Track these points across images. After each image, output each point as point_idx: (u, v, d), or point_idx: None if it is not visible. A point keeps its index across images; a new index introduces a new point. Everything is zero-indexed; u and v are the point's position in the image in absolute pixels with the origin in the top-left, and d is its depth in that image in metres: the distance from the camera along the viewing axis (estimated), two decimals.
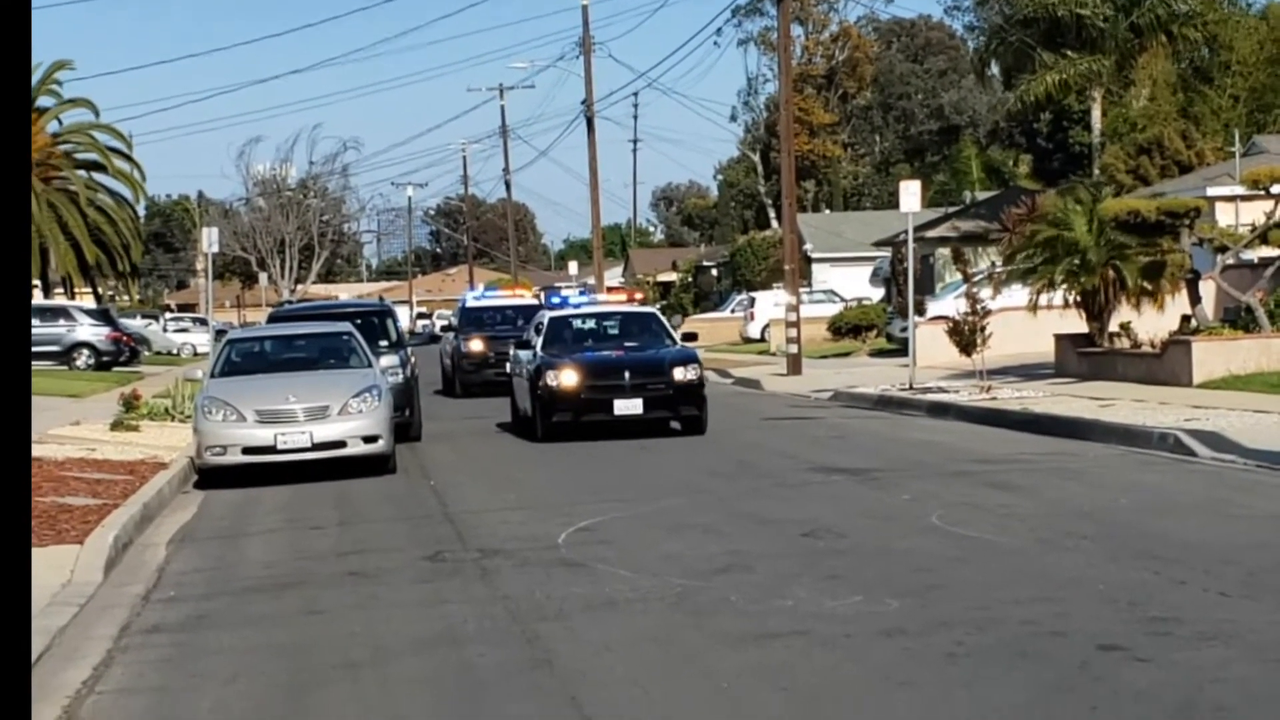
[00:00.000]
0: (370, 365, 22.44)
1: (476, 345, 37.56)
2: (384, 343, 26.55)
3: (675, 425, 24.99)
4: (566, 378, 24.55)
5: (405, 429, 24.32)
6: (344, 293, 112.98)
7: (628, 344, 26.33)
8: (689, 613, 11.06)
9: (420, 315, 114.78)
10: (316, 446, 20.45)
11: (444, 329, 43.91)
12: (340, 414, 20.64)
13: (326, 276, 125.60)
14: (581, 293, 38.52)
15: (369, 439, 20.68)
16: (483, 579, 12.82)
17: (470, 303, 41.79)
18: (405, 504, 18.18)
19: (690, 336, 28.81)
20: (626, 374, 24.68)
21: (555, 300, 30.88)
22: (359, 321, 25.57)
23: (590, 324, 27.57)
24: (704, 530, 14.82)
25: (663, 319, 28.49)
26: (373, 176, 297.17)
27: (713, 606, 11.22)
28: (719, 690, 8.96)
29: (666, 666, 9.56)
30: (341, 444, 20.53)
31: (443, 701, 9.11)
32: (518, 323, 36.80)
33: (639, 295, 33.35)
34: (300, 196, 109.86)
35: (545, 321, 27.08)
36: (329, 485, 19.97)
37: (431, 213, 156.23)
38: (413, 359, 26.86)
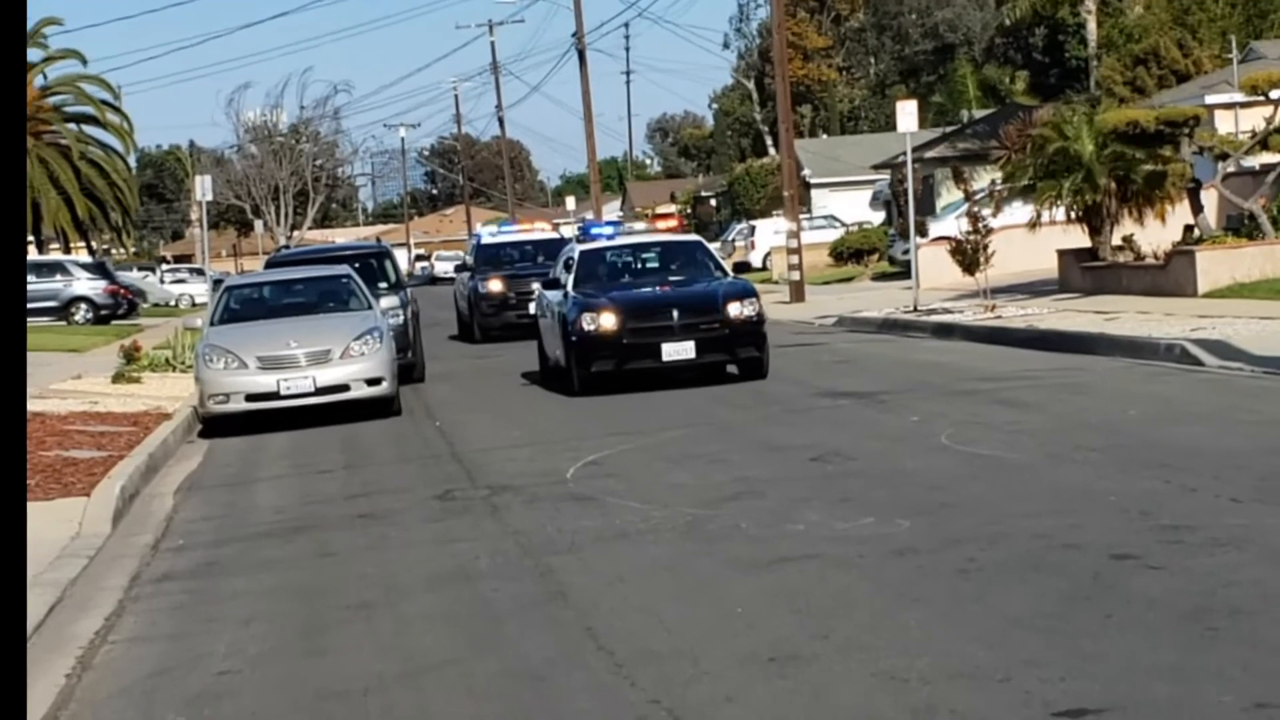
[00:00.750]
0: (370, 307, 22.37)
1: (495, 285, 35.65)
2: (383, 284, 26.43)
3: (732, 369, 21.87)
4: (605, 320, 21.25)
5: (408, 370, 24.26)
6: (341, 237, 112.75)
7: (672, 278, 23.01)
8: (700, 541, 11.06)
9: (419, 257, 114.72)
10: (320, 391, 20.41)
11: (458, 269, 41.01)
12: (342, 357, 20.59)
13: (322, 222, 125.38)
14: (614, 224, 35.37)
15: (372, 381, 20.63)
16: (493, 516, 12.81)
17: (486, 239, 39.16)
18: (412, 445, 18.15)
19: (742, 267, 27.36)
20: (675, 313, 21.32)
21: (594, 232, 26.60)
22: (357, 264, 25.48)
23: (627, 257, 24.17)
24: (712, 459, 14.79)
25: (709, 248, 24.92)
26: (365, 119, 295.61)
27: (724, 534, 11.21)
28: (733, 614, 8.95)
29: (680, 594, 9.56)
30: (345, 387, 20.50)
31: (458, 636, 9.10)
32: (538, 259, 35.68)
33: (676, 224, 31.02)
34: (293, 142, 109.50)
35: (576, 255, 23.63)
36: (334, 429, 19.94)
37: (426, 153, 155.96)
38: (413, 299, 26.76)
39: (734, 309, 21.34)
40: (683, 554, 10.70)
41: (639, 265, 24.04)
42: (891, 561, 9.89)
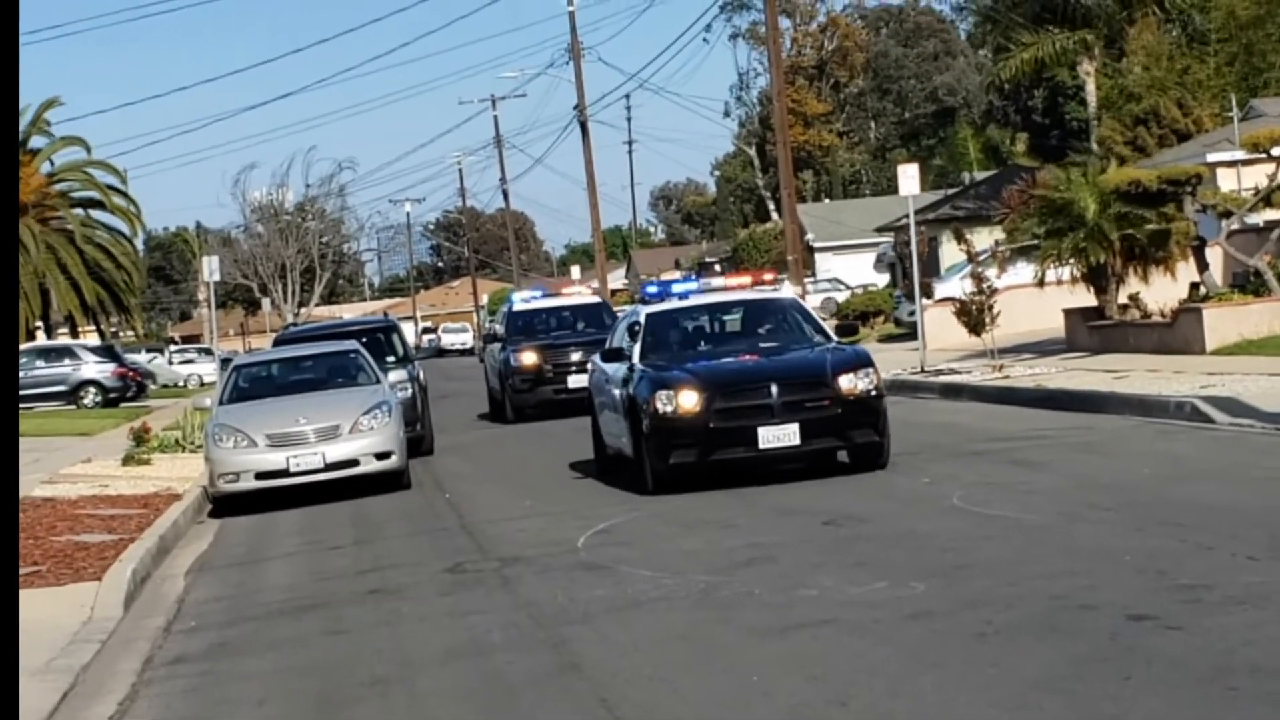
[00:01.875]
0: (379, 381, 22.37)
1: (529, 357, 31.63)
2: (391, 358, 26.45)
3: (843, 458, 17.95)
4: (686, 399, 17.19)
5: (417, 443, 24.24)
6: (348, 312, 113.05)
7: (764, 345, 19.03)
8: (714, 608, 10.99)
9: (426, 330, 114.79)
10: (330, 467, 20.38)
11: (487, 339, 37.65)
12: (351, 432, 20.57)
13: (329, 298, 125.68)
14: (689, 279, 25.52)
15: (381, 455, 20.61)
16: (505, 587, 12.77)
17: (519, 305, 35.06)
18: (422, 518, 18.13)
19: (848, 329, 21.37)
20: (773, 388, 17.25)
21: (654, 292, 20.74)
22: (365, 339, 25.50)
23: (704, 319, 20.18)
24: (723, 525, 14.75)
25: (805, 306, 20.98)
26: (370, 195, 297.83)
27: (737, 600, 11.15)
28: (749, 683, 8.88)
29: (695, 663, 9.49)
30: (354, 462, 20.46)
31: (474, 711, 9.06)
32: (577, 326, 33.02)
33: (768, 276, 21.87)
34: (298, 220, 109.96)
35: (642, 319, 19.50)
36: (344, 505, 19.90)
37: (431, 227, 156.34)
38: (421, 373, 26.75)
39: (847, 381, 17.30)
40: (696, 622, 10.63)
41: (721, 329, 20.16)
42: (907, 625, 9.83)
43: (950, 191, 62.73)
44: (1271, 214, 31.41)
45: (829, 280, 66.53)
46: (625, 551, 13.74)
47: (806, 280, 46.51)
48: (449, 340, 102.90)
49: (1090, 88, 57.13)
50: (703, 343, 19.45)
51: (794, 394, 17.17)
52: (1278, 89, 52.26)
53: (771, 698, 8.56)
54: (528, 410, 31.38)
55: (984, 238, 40.37)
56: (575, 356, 29.17)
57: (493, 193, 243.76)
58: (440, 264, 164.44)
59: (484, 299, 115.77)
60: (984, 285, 30.29)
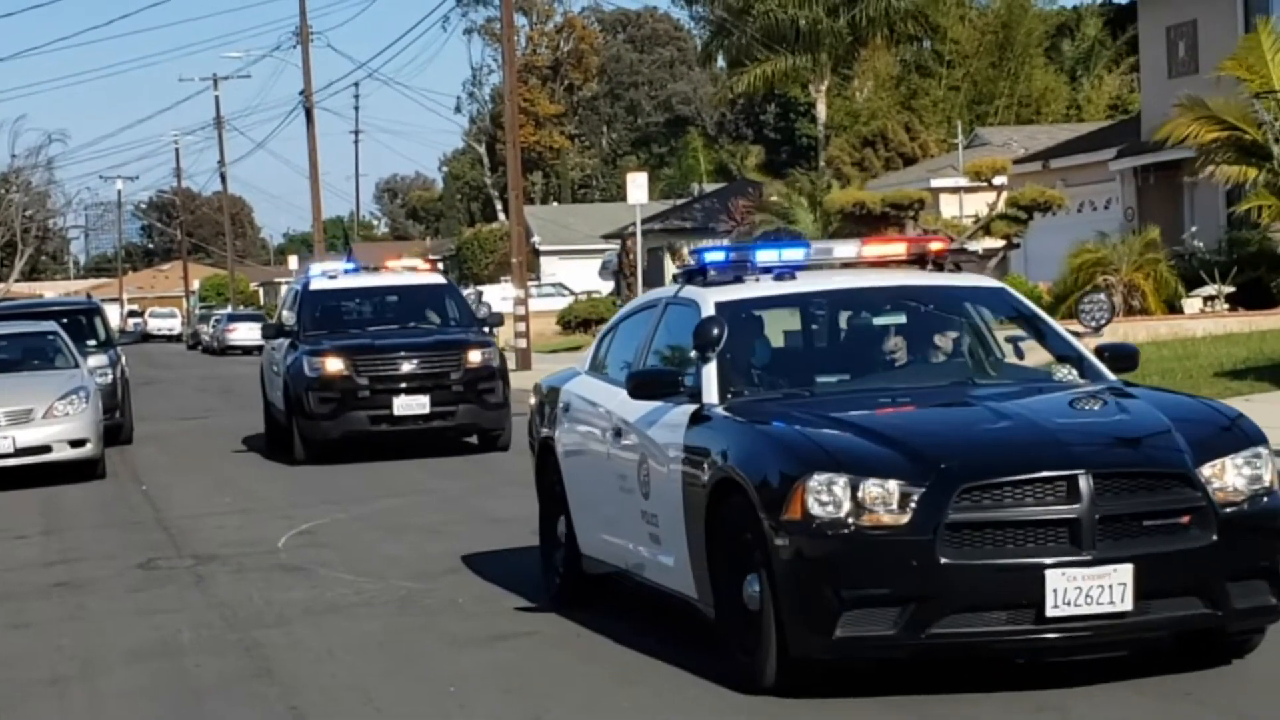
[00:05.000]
0: (77, 366, 21.64)
1: (334, 365, 20.58)
2: (91, 342, 25.64)
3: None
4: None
5: (115, 431, 23.54)
6: (50, 291, 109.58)
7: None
8: (415, 615, 10.84)
9: (132, 313, 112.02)
10: (20, 452, 19.60)
11: (269, 333, 23.77)
12: (45, 417, 19.83)
13: (31, 275, 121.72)
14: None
15: (76, 443, 19.91)
16: (198, 586, 12.45)
17: (319, 283, 22.82)
18: (116, 510, 17.55)
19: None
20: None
21: (708, 257, 11.07)
22: (65, 320, 24.60)
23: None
24: (430, 530, 14.53)
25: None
26: (81, 170, 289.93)
27: (440, 608, 10.99)
28: (446, 694, 8.76)
29: (391, 671, 9.33)
30: (47, 449, 19.73)
31: (156, 715, 8.84)
32: (409, 322, 22.18)
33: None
34: (1, 191, 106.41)
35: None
36: (34, 492, 19.12)
37: (143, 206, 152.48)
38: (122, 358, 25.96)
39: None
40: (396, 629, 10.46)
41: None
42: (608, 642, 9.69)
43: (679, 202, 63.23)
44: (991, 242, 32.18)
45: (553, 285, 66.52)
46: (327, 554, 13.48)
47: (530, 284, 46.38)
48: (156, 325, 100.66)
49: (821, 107, 58.09)
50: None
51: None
52: (1001, 118, 53.80)
53: (467, 710, 8.44)
54: (326, 445, 20.55)
55: None
56: (407, 367, 20.46)
57: (210, 175, 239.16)
58: (151, 246, 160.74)
59: (195, 284, 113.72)
60: None
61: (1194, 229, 32.93)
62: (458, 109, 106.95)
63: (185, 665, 9.78)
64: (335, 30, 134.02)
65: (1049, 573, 7.66)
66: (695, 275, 10.16)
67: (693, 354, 9.27)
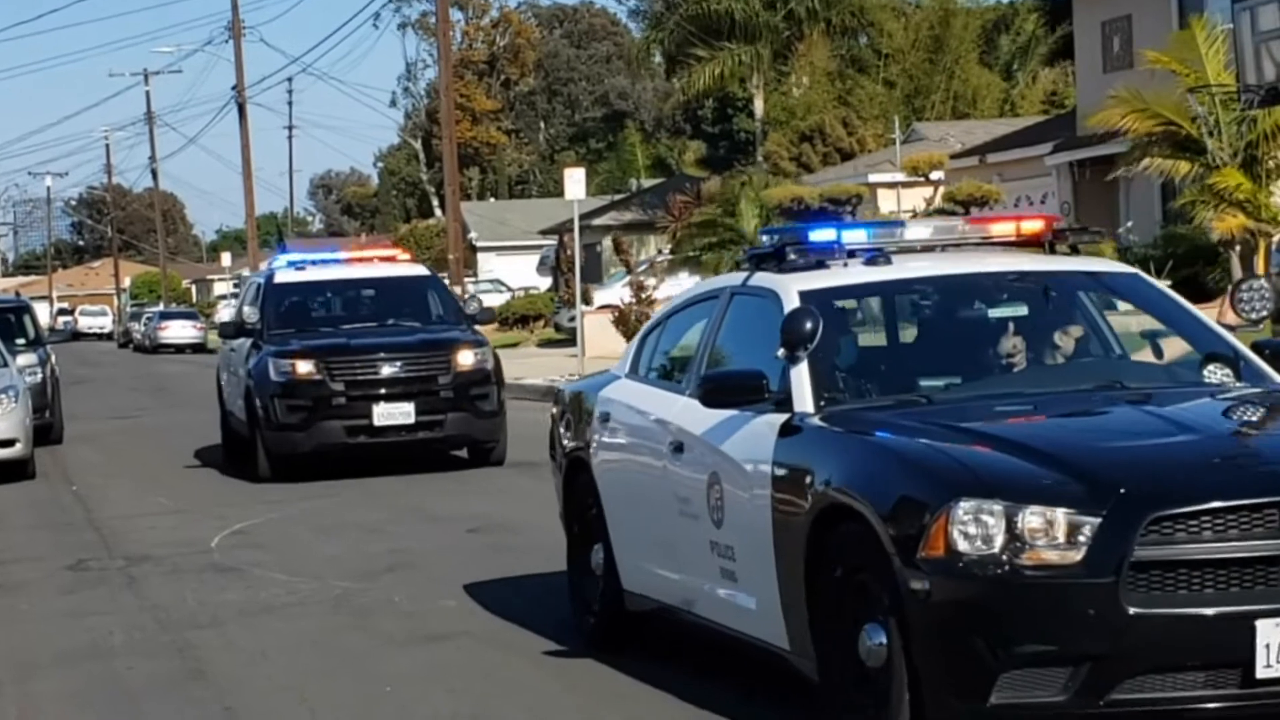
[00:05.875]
0: (5, 365, 21.35)
1: (303, 367, 18.33)
2: (20, 340, 25.39)
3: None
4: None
5: (45, 431, 23.31)
6: None
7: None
8: (351, 615, 10.74)
9: (61, 311, 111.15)
10: None
11: (228, 331, 21.62)
12: None
13: None
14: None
15: (5, 443, 19.62)
16: (130, 587, 12.29)
17: (284, 275, 20.45)
18: (46, 510, 17.32)
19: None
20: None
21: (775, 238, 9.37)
22: None
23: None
24: (367, 529, 14.40)
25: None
26: (8, 166, 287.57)
27: (376, 608, 10.88)
28: (382, 694, 8.66)
29: (327, 672, 9.25)
30: None
31: (90, 718, 8.73)
32: (387, 320, 19.84)
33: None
34: None
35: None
36: None
37: (73, 203, 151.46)
38: (52, 357, 25.70)
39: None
40: (332, 628, 10.37)
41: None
42: (548, 644, 9.57)
43: (617, 198, 63.13)
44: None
45: (490, 281, 66.30)
46: (261, 554, 13.35)
47: (467, 280, 46.18)
48: (86, 323, 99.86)
49: (759, 102, 58.14)
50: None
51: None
52: (938, 113, 53.96)
53: (406, 711, 8.35)
54: (294, 459, 18.26)
55: (650, 246, 40.67)
56: (389, 370, 18.33)
57: (141, 171, 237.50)
58: (81, 243, 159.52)
59: (127, 282, 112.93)
60: (644, 294, 30.42)
61: (1130, 224, 33.13)
62: (393, 104, 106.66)
63: (118, 668, 9.66)
64: (268, 25, 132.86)
65: (1260, 623, 6.15)
66: (767, 259, 8.46)
67: (779, 354, 7.56)
